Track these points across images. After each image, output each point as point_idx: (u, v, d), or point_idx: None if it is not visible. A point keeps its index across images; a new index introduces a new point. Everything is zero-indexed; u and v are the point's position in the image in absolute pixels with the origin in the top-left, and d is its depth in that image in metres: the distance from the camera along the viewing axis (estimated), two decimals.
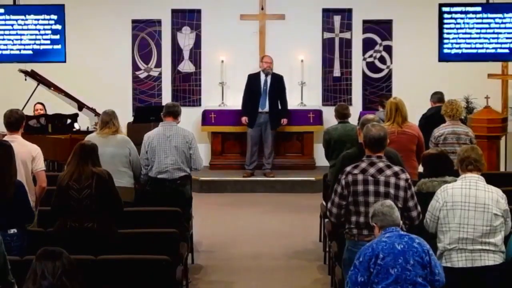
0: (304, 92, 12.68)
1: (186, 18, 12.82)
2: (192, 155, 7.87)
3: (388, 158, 5.70)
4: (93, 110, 11.08)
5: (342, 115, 8.41)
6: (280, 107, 11.82)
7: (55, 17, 10.23)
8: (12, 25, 10.25)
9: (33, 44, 10.26)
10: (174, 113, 7.95)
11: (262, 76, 11.80)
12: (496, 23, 10.18)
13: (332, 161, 8.14)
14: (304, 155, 12.45)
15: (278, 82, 11.79)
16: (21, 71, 10.80)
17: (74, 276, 4.00)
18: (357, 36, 12.76)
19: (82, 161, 6.18)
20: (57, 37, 10.24)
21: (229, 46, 12.65)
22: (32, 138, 7.71)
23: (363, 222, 5.45)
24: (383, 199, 5.33)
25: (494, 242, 5.33)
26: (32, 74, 10.89)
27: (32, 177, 6.82)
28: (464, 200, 5.38)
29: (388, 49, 12.80)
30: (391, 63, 12.80)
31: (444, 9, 10.23)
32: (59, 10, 10.27)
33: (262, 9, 12.64)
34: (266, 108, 11.73)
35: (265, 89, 11.75)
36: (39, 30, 10.25)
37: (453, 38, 10.22)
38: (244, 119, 11.82)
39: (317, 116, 12.32)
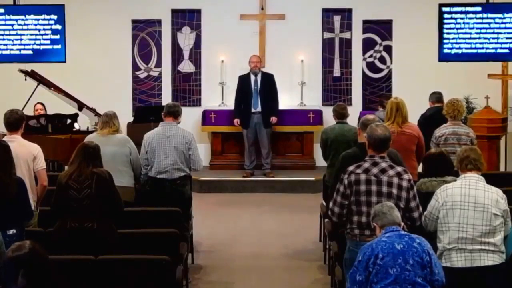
0: (304, 92, 12.68)
1: (186, 18, 12.82)
2: (192, 155, 7.85)
3: (388, 158, 5.69)
4: (93, 110, 11.07)
5: (341, 115, 8.41)
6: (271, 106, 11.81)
7: (55, 17, 10.24)
8: (12, 25, 10.27)
9: (33, 44, 10.27)
10: (174, 113, 7.94)
11: (252, 76, 11.77)
12: (496, 23, 10.18)
13: (329, 161, 8.15)
14: (304, 155, 12.45)
15: (268, 80, 11.76)
16: (21, 71, 10.79)
17: (46, 273, 3.85)
18: (357, 36, 12.76)
19: (84, 162, 6.17)
20: (57, 37, 10.25)
21: (229, 46, 12.64)
22: (32, 138, 7.71)
23: (365, 222, 5.43)
24: (385, 199, 5.33)
25: (493, 242, 5.32)
26: (32, 74, 10.88)
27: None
28: (463, 200, 5.37)
29: (388, 49, 12.79)
30: (391, 63, 12.80)
31: (444, 9, 10.23)
32: (59, 10, 10.29)
33: (262, 9, 12.64)
34: (259, 108, 11.71)
35: (256, 88, 11.72)
36: (39, 30, 10.26)
37: (453, 38, 10.23)
38: (236, 121, 11.82)
39: (317, 116, 12.31)
